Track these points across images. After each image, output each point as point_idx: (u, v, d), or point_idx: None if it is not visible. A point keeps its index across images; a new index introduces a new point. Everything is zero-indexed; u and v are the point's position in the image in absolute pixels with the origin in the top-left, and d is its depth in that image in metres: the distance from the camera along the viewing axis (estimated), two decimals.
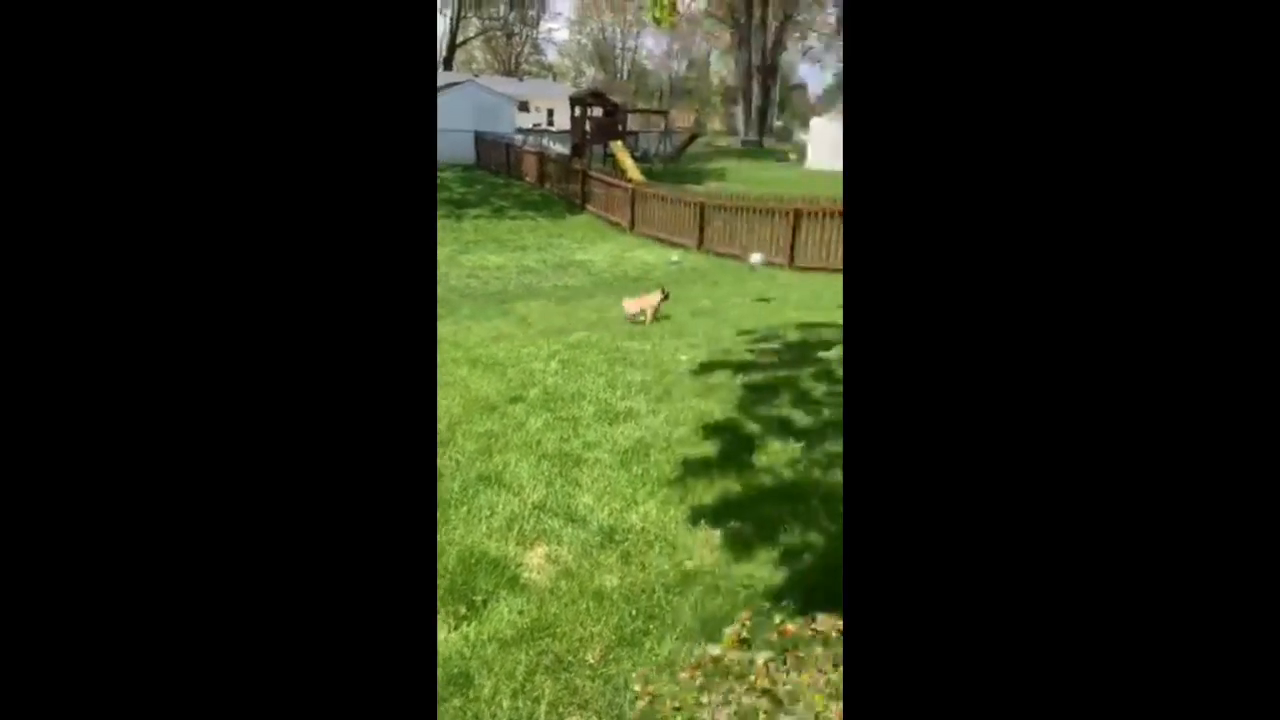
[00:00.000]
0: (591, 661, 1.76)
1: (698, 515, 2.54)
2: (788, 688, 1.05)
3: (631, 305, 5.83)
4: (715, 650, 1.05)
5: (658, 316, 5.71)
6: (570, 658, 1.78)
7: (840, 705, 0.97)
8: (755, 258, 8.65)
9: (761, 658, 1.03)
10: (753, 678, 1.00)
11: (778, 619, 1.07)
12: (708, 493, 2.71)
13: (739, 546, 2.34)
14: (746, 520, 2.49)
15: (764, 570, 2.19)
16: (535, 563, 2.25)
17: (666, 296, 5.86)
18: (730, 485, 2.77)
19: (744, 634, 1.07)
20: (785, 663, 1.08)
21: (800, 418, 3.42)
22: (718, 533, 2.43)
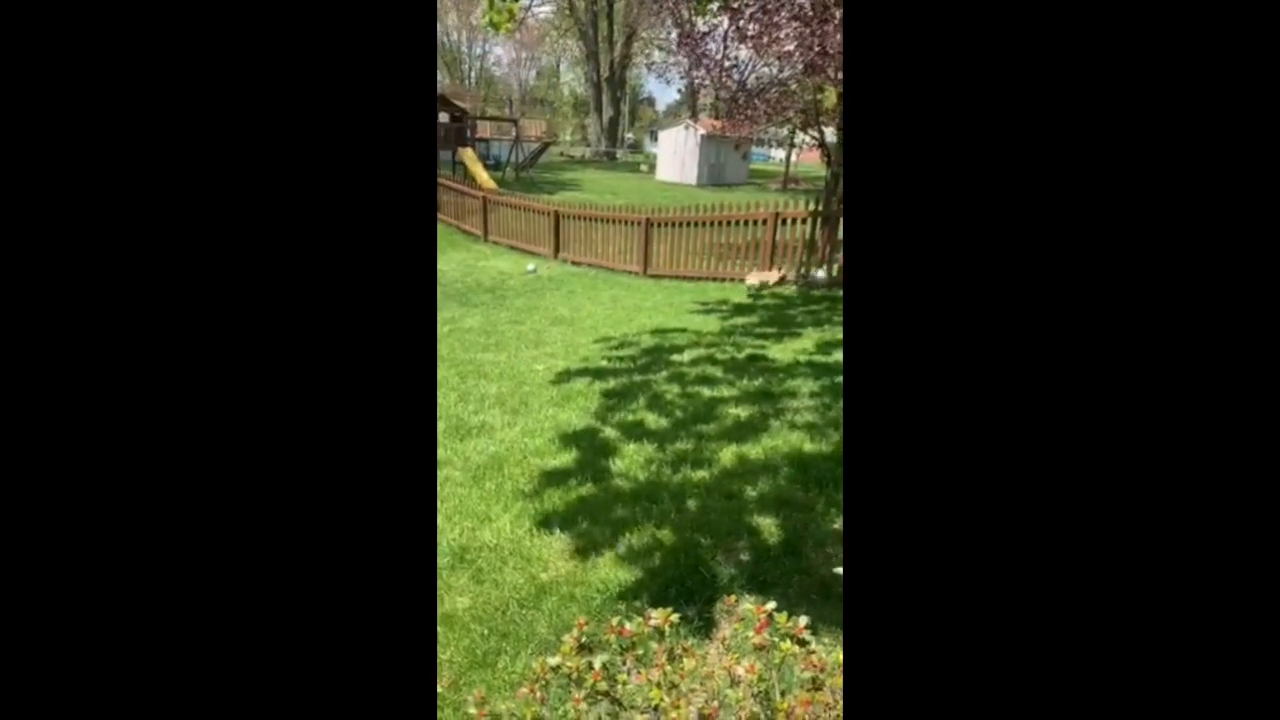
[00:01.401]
0: (440, 690, 1.67)
1: (553, 525, 2.52)
2: (628, 687, 1.07)
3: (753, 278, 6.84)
4: (554, 660, 1.04)
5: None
6: None
7: (672, 697, 1.00)
8: (529, 266, 9.03)
9: (599, 660, 1.04)
10: (591, 681, 1.01)
11: (615, 620, 1.08)
12: (563, 502, 2.70)
13: (595, 552, 2.35)
14: (602, 525, 2.51)
15: (620, 573, 2.22)
16: None
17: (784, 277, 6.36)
18: (587, 492, 2.78)
19: (583, 639, 1.07)
20: (624, 663, 1.09)
21: (654, 420, 3.52)
22: (573, 541, 2.42)
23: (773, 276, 7.64)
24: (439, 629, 1.93)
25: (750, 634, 1.07)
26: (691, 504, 2.65)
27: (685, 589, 2.10)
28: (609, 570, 2.23)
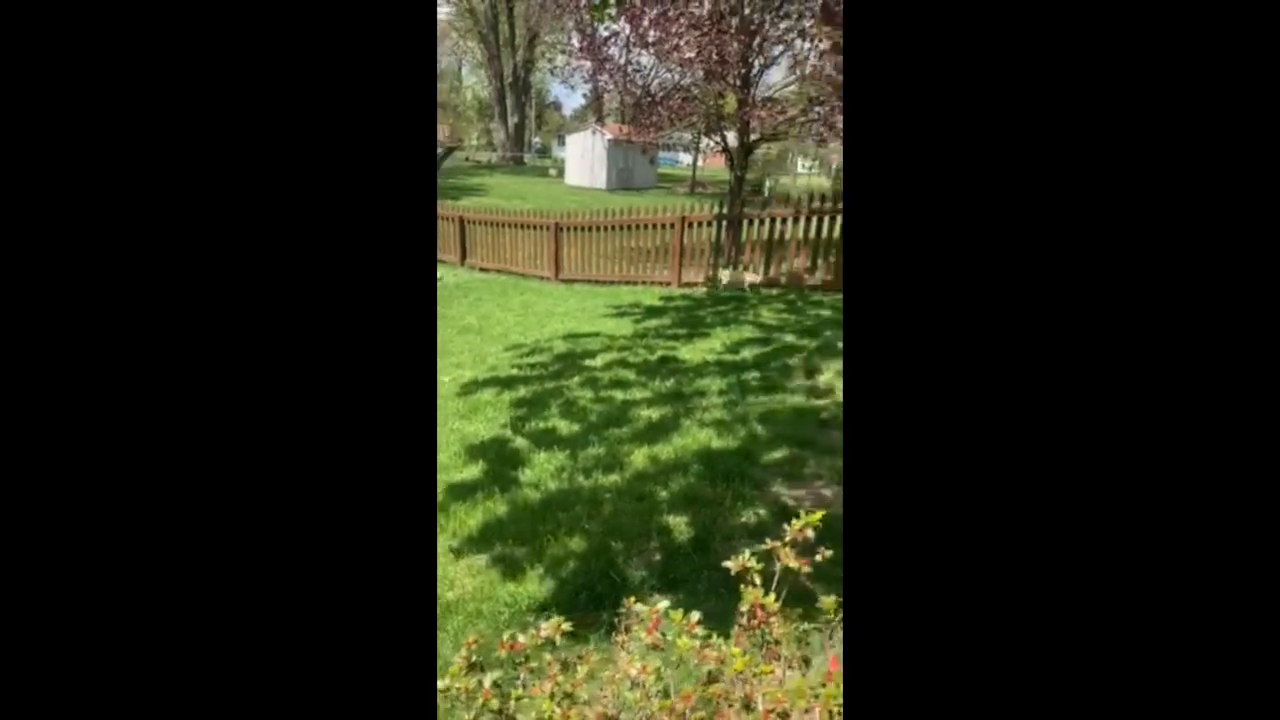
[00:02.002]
0: None
1: (461, 542, 2.45)
2: (522, 702, 1.04)
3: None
4: (443, 683, 1.00)
5: None
6: None
7: (564, 707, 0.99)
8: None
9: (489, 678, 1.01)
10: (481, 700, 0.98)
11: (506, 635, 1.06)
12: (471, 517, 2.63)
13: (504, 566, 2.30)
14: (510, 538, 2.46)
15: (530, 586, 2.18)
16: None
17: None
18: (495, 506, 2.72)
19: (472, 658, 1.04)
20: (519, 678, 1.07)
21: (566, 427, 3.49)
22: (482, 557, 2.36)
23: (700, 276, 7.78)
24: None
25: (642, 634, 1.08)
26: (604, 509, 2.65)
27: (595, 594, 2.09)
28: (519, 584, 2.19)
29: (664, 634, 1.10)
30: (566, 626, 1.07)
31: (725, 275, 7.79)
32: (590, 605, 2.00)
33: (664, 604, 1.11)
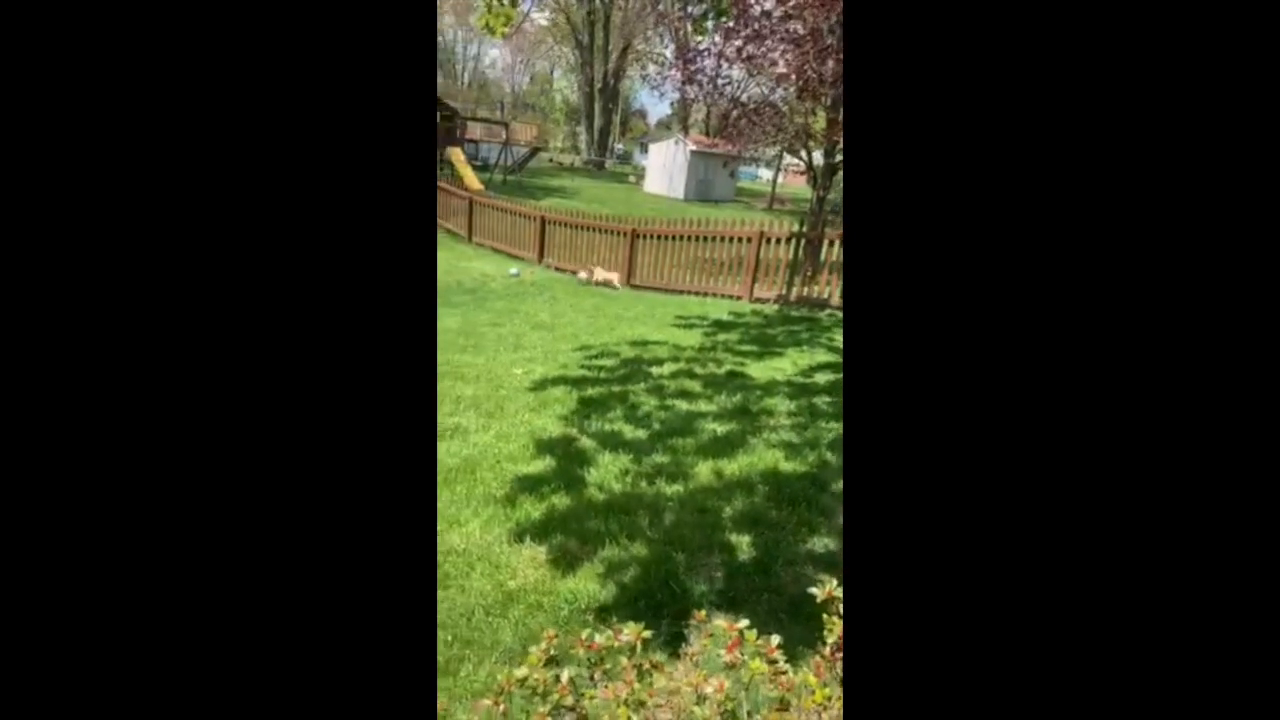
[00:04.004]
0: None
1: (524, 533, 2.49)
2: (594, 701, 1.05)
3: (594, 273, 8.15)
4: (521, 672, 1.01)
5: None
6: None
7: (640, 715, 0.99)
8: (512, 270, 9.15)
9: (567, 674, 1.01)
10: (557, 696, 0.99)
11: (585, 634, 1.06)
12: (536, 509, 2.67)
13: (565, 562, 2.32)
14: (574, 535, 2.48)
15: (590, 585, 2.19)
16: None
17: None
18: (560, 500, 2.75)
19: (551, 652, 1.05)
20: (592, 677, 1.07)
21: (631, 431, 3.50)
22: (543, 550, 2.39)
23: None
24: None
25: (721, 652, 1.06)
26: (666, 518, 2.64)
27: (655, 603, 2.08)
28: (579, 581, 2.21)
29: (741, 654, 1.08)
30: (646, 634, 1.06)
31: (800, 294, 7.66)
32: (649, 613, 1.99)
33: (744, 623, 1.09)
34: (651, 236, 8.71)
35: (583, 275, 8.78)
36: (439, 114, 18.35)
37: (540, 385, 4.23)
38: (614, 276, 8.62)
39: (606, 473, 3.00)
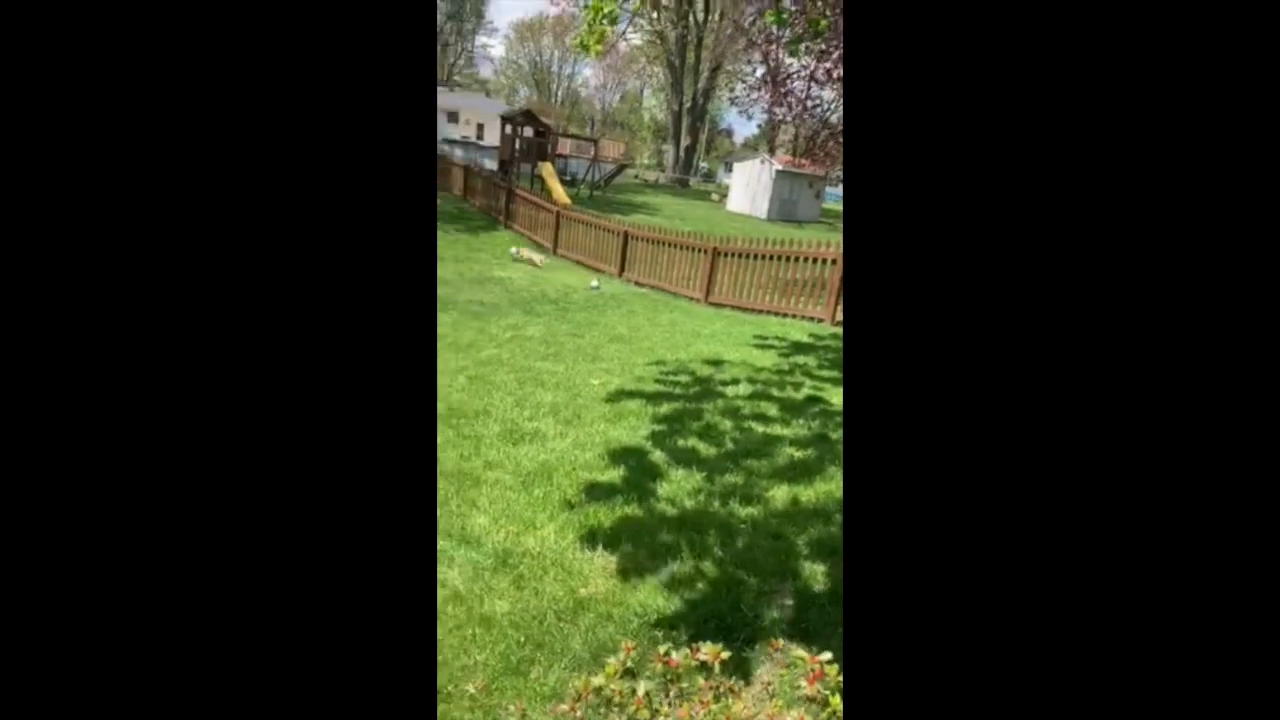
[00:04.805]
0: (473, 692, 1.67)
1: (596, 541, 2.51)
2: (669, 719, 1.04)
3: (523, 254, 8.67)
4: (598, 680, 1.02)
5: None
6: (450, 687, 1.68)
7: None
8: (593, 283, 9.33)
9: (643, 688, 1.01)
10: (633, 708, 0.99)
11: (663, 649, 1.06)
12: (608, 519, 2.69)
13: (635, 575, 2.32)
14: (644, 548, 2.49)
15: (658, 599, 2.19)
16: None
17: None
18: (632, 512, 2.76)
19: (628, 664, 1.05)
20: (668, 694, 1.07)
21: (704, 449, 3.48)
22: (614, 559, 2.41)
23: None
24: (477, 629, 1.94)
25: (802, 683, 1.03)
26: (738, 540, 2.60)
27: (724, 625, 2.04)
28: (648, 595, 2.20)
29: (823, 688, 1.05)
30: (725, 655, 1.05)
31: None
32: (720, 635, 1.96)
33: (826, 656, 1.06)
34: (732, 255, 8.66)
35: (513, 250, 10.02)
36: (534, 130, 19.07)
37: (616, 397, 4.28)
38: (537, 257, 9.75)
39: (679, 488, 2.99)
